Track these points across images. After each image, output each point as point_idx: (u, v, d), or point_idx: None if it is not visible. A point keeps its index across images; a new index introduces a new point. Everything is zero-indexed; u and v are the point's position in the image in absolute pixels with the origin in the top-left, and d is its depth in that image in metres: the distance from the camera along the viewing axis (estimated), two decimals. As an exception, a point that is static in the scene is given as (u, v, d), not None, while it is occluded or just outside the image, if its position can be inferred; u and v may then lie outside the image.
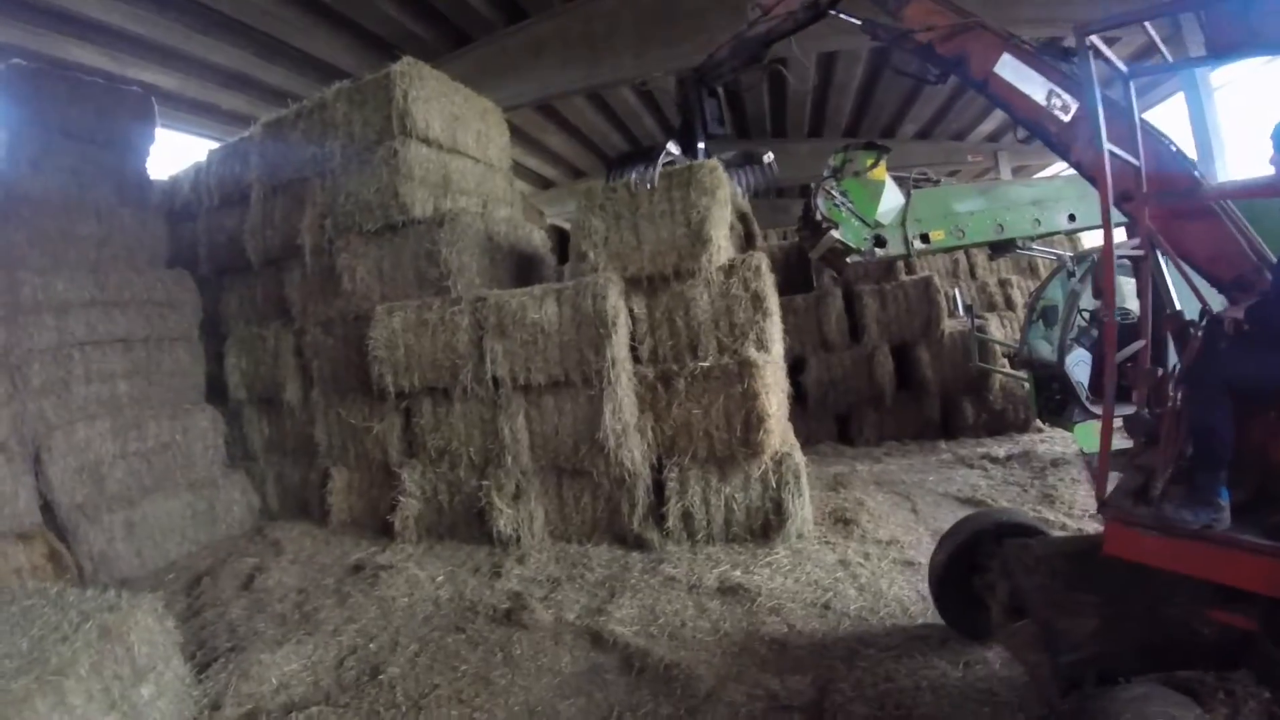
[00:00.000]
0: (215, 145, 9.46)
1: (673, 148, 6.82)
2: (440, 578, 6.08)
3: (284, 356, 8.29)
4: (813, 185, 6.84)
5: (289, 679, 4.49)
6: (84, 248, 7.48)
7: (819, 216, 6.71)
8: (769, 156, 7.86)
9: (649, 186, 6.64)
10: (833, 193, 6.70)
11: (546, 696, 4.12)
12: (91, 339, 7.29)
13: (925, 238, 7.09)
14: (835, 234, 6.68)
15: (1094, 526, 5.91)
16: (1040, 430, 9.65)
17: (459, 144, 8.21)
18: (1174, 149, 3.29)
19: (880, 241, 6.92)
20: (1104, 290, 3.09)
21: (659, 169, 6.67)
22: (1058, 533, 4.67)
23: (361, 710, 4.08)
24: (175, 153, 22.19)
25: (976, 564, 3.98)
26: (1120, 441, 7.43)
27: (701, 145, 7.35)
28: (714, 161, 6.90)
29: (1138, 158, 3.15)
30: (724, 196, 6.66)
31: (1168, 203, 3.18)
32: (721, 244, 6.60)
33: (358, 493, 7.84)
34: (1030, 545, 3.70)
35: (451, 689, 4.24)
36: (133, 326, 7.69)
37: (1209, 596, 2.81)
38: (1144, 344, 3.16)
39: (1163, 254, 3.21)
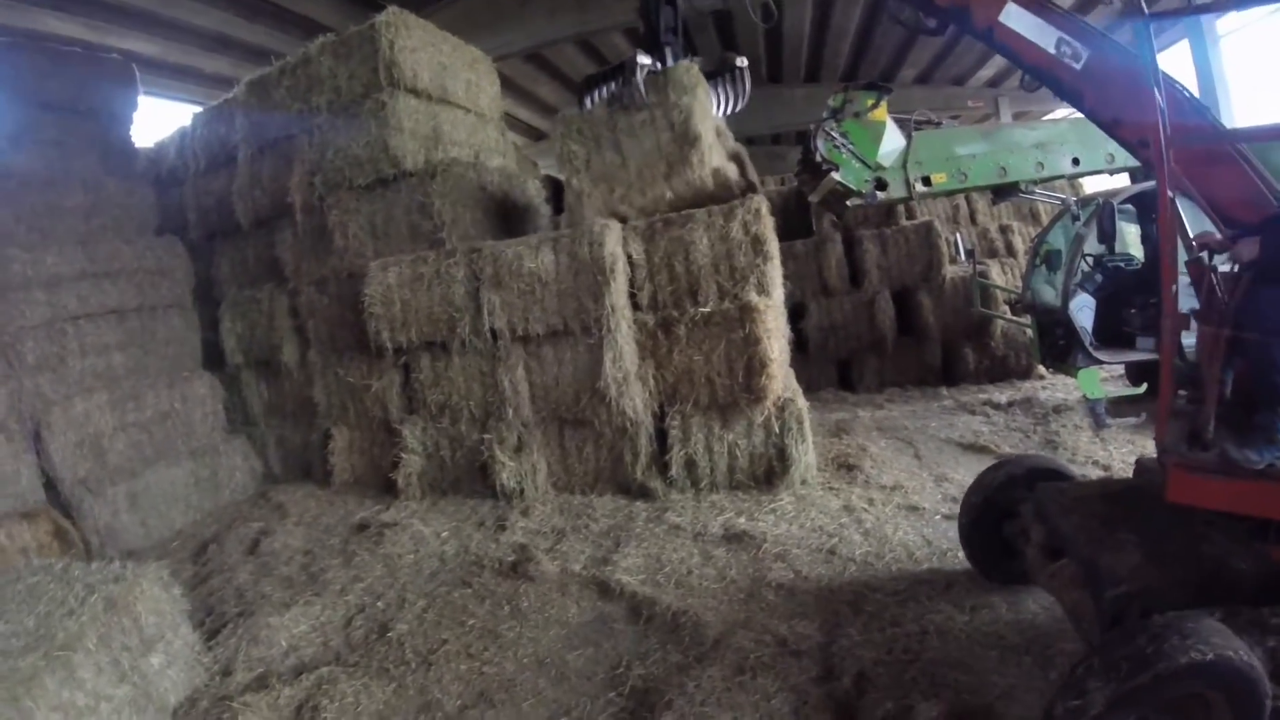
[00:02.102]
0: (199, 109, 9.29)
1: (643, 58, 6.53)
2: (445, 533, 6.09)
3: (279, 318, 8.22)
4: (812, 127, 6.71)
5: (298, 641, 4.51)
6: (72, 220, 7.39)
7: (819, 158, 6.59)
8: (742, 61, 7.43)
9: (638, 99, 6.41)
10: (833, 134, 6.57)
11: (555, 647, 4.13)
12: (84, 312, 7.22)
13: (927, 180, 7.00)
14: (836, 176, 6.57)
15: (1097, 472, 5.91)
16: (1042, 377, 9.65)
17: (449, 94, 8.06)
18: (1189, 95, 3.22)
19: (881, 184, 6.82)
20: (1162, 237, 3.04)
21: (642, 81, 6.42)
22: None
23: (371, 668, 4.09)
24: (160, 120, 21.90)
25: (1007, 511, 3.98)
26: (1119, 388, 7.44)
27: (668, 47, 6.96)
28: (688, 62, 6.66)
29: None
30: (705, 93, 6.47)
31: (1192, 147, 3.11)
32: (710, 142, 6.42)
33: (359, 452, 7.83)
34: (1066, 488, 3.70)
35: (460, 643, 4.25)
36: (125, 297, 7.61)
37: (1247, 533, 2.86)
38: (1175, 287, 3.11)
39: (1187, 199, 3.15)
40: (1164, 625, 2.46)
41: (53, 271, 6.99)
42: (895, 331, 10.52)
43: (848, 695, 3.36)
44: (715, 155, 6.50)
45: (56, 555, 5.89)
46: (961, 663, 3.49)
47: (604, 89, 6.95)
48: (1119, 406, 6.40)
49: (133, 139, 8.61)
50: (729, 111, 7.28)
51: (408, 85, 7.41)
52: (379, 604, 4.91)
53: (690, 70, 6.45)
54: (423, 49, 7.63)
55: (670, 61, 6.66)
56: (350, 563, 5.68)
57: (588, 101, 7.15)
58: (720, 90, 7.17)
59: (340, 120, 7.61)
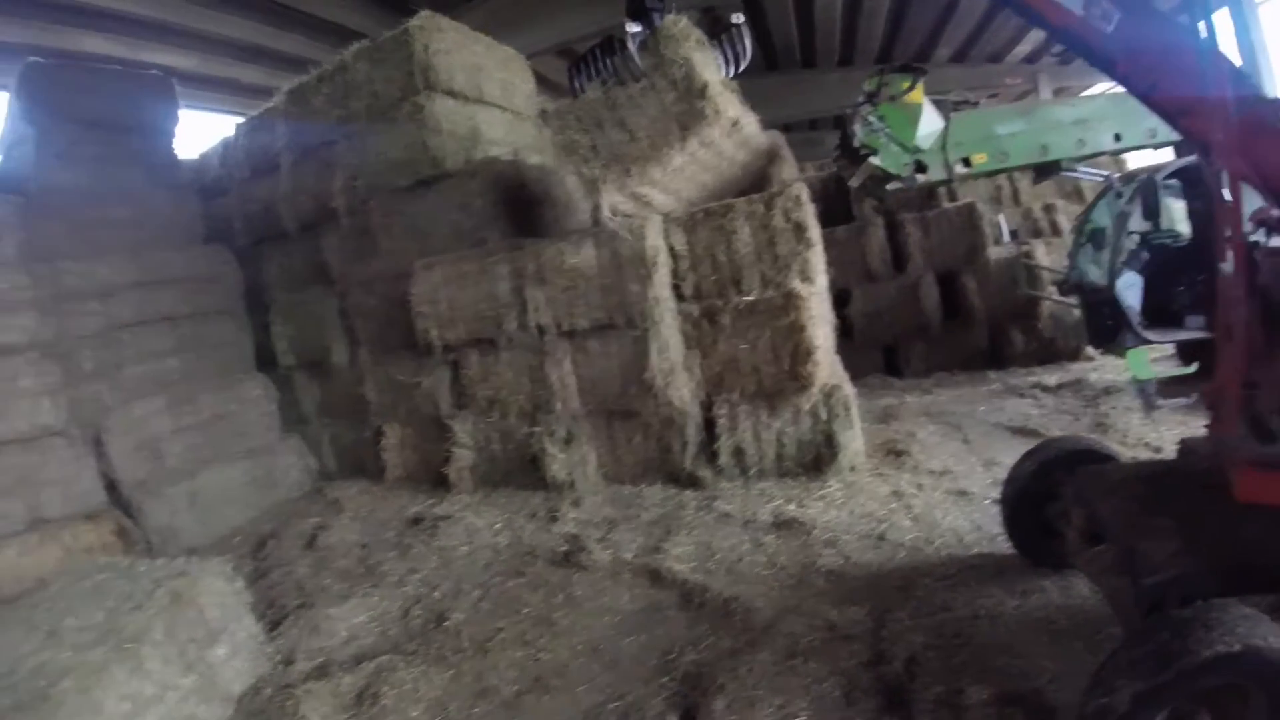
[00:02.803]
0: (240, 120, 9.52)
1: (632, 27, 6.37)
2: (498, 525, 6.15)
3: (328, 320, 8.37)
4: (849, 112, 6.66)
5: (357, 630, 4.61)
6: (121, 232, 7.52)
7: (857, 144, 6.54)
8: (738, 17, 7.10)
9: (634, 70, 6.31)
10: (869, 119, 6.51)
11: (608, 634, 4.17)
12: (138, 320, 7.40)
13: (967, 161, 6.91)
14: (874, 161, 6.51)
15: (1147, 454, 5.78)
16: (1091, 358, 9.40)
17: (484, 94, 8.16)
18: (1231, 63, 3.08)
19: (921, 167, 6.74)
20: (1233, 217, 2.81)
21: (636, 51, 6.29)
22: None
23: (429, 656, 4.16)
24: (202, 131, 22.39)
25: (1050, 493, 3.88)
26: (1169, 368, 7.29)
27: (655, 12, 6.63)
28: (674, 15, 6.40)
29: None
30: (702, 41, 6.32)
31: (1244, 116, 2.83)
32: (719, 88, 6.20)
33: (411, 448, 7.93)
34: (1106, 471, 3.62)
35: (515, 631, 4.31)
36: (176, 304, 7.79)
37: None
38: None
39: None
40: (1188, 619, 2.39)
41: (106, 282, 7.17)
42: (940, 315, 10.37)
43: (898, 679, 3.35)
44: (730, 106, 6.33)
45: (119, 554, 6.06)
46: (1011, 647, 3.46)
47: (593, 69, 6.84)
48: (1169, 387, 6.25)
49: (175, 151, 8.76)
50: (733, 73, 7.10)
51: (443, 87, 7.52)
52: (435, 594, 5.00)
53: (679, 21, 6.23)
54: (456, 51, 7.74)
55: (659, 21, 6.43)
56: (406, 555, 5.78)
57: (578, 87, 7.04)
58: (720, 51, 6.96)
59: (379, 124, 7.75)
